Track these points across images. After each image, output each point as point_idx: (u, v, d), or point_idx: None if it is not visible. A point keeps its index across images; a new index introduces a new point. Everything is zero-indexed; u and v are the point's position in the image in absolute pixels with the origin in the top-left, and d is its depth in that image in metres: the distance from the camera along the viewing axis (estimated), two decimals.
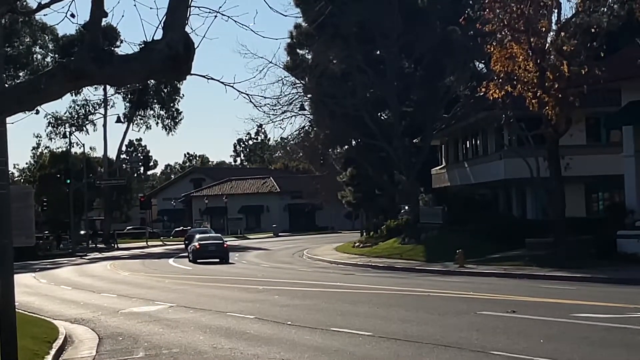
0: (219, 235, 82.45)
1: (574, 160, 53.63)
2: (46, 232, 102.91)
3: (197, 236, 76.64)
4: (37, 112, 77.25)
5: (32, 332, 23.99)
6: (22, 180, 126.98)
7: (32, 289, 45.08)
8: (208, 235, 79.56)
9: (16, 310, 18.53)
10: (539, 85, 44.79)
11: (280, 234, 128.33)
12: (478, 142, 70.18)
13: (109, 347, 22.98)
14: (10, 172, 22.92)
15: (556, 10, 47.79)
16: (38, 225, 23.51)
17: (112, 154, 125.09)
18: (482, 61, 68.76)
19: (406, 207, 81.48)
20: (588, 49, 45.14)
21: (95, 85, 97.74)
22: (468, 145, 73.54)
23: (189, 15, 7.29)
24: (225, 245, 72.07)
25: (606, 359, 17.94)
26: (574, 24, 47.17)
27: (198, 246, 71.24)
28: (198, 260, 69.56)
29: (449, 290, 35.18)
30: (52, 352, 21.61)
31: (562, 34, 46.51)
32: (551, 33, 47.84)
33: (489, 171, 64.19)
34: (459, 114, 71.24)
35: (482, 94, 49.69)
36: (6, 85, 20.57)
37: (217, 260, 69.46)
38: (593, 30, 45.62)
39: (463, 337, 20.91)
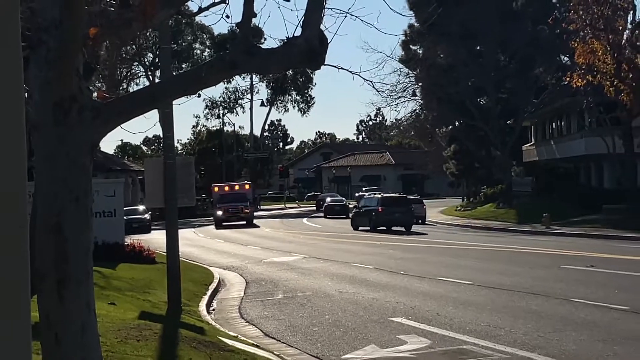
0: (342, 198, 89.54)
1: None
2: (203, 195, 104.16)
3: (328, 199, 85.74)
4: (199, 96, 78.53)
5: (192, 276, 24.38)
6: (184, 153, 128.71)
7: (192, 242, 45.81)
8: (335, 197, 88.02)
9: (180, 258, 18.84)
10: (615, 76, 43.92)
11: None
12: (562, 123, 69.20)
13: (254, 290, 23.26)
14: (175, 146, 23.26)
15: (631, 12, 46.88)
16: (197, 190, 23.80)
17: (257, 132, 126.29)
18: (567, 55, 67.20)
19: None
20: None
21: (244, 74, 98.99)
22: (554, 126, 72.50)
23: (324, 15, 7.29)
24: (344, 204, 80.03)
25: None
26: None
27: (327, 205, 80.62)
28: (327, 216, 77.22)
29: (537, 248, 34.76)
30: (208, 293, 21.96)
31: (637, 31, 45.57)
32: (627, 31, 46.81)
33: (571, 148, 63.15)
34: (547, 99, 70.14)
35: (566, 82, 49.01)
36: (174, 74, 20.90)
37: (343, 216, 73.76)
38: None
39: (549, 287, 20.64)
